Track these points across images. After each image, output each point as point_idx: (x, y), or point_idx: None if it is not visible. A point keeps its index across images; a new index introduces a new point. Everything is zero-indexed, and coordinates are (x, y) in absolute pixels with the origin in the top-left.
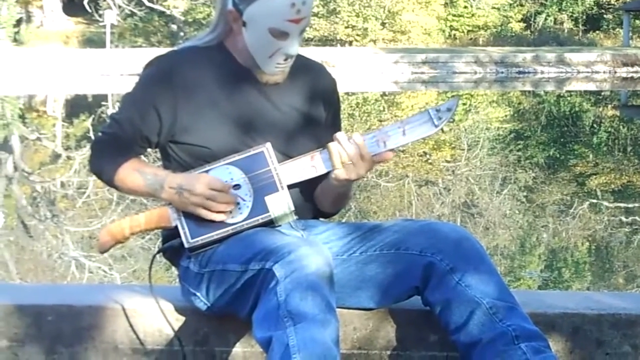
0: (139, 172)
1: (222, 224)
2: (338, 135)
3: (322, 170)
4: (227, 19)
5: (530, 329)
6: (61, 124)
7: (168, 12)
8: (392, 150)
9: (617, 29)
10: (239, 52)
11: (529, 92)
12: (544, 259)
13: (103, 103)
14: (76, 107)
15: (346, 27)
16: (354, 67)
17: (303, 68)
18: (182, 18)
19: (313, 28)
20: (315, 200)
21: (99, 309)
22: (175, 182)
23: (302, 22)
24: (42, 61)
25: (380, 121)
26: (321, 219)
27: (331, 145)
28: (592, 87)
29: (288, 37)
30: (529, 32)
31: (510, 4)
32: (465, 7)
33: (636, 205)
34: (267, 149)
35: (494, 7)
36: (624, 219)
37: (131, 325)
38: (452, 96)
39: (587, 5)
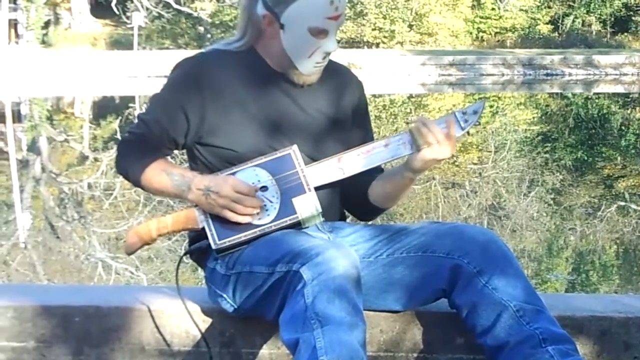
0: (166, 172)
1: (250, 225)
2: (422, 118)
3: (350, 172)
4: (259, 24)
5: (558, 332)
6: (88, 125)
7: (195, 14)
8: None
9: None
10: (271, 56)
11: (557, 94)
12: (571, 261)
13: (130, 105)
14: (103, 108)
15: (373, 29)
16: (381, 69)
17: (331, 72)
18: (209, 20)
19: (340, 30)
20: (372, 197)
21: (125, 310)
22: (202, 184)
23: (340, 19)
24: (70, 63)
25: (407, 123)
26: (348, 221)
27: (414, 126)
28: (620, 89)
29: (327, 35)
30: (556, 34)
31: (538, 6)
32: (493, 9)
33: None
34: (294, 151)
35: (521, 9)
36: None
37: (158, 327)
38: (479, 99)
39: (616, 7)
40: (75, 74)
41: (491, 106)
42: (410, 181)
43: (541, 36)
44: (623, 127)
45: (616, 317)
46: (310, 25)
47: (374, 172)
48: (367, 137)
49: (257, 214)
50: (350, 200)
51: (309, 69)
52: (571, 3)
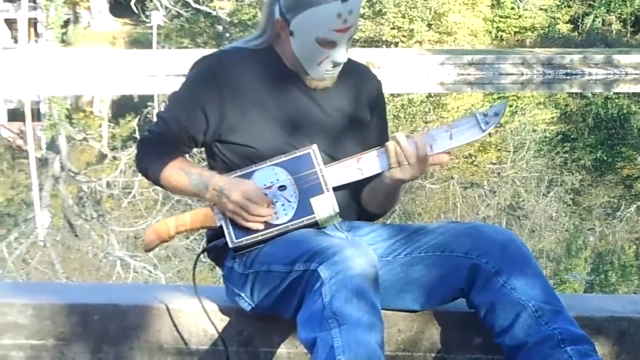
0: (185, 171)
1: (267, 224)
2: (397, 135)
3: (368, 173)
4: (275, 26)
5: (577, 333)
6: (107, 124)
7: (214, 13)
8: (448, 152)
9: None
10: (287, 56)
11: (576, 94)
12: (590, 262)
13: (149, 103)
14: (122, 107)
15: (392, 29)
16: (400, 69)
17: (349, 71)
18: (228, 19)
19: (359, 29)
20: (362, 201)
21: (144, 309)
22: (218, 184)
23: (349, 31)
24: (89, 62)
25: (426, 123)
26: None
27: (389, 144)
28: None
29: (335, 46)
30: (576, 33)
31: (558, 5)
32: (512, 8)
33: None
34: (313, 151)
35: (541, 9)
36: None
37: (176, 325)
38: (500, 100)
39: (636, 7)
40: (94, 72)
41: (510, 106)
42: (393, 188)
43: (561, 35)
44: None
45: (635, 318)
46: (317, 36)
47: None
48: (382, 138)
49: (275, 213)
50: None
51: (319, 75)
52: (591, 2)
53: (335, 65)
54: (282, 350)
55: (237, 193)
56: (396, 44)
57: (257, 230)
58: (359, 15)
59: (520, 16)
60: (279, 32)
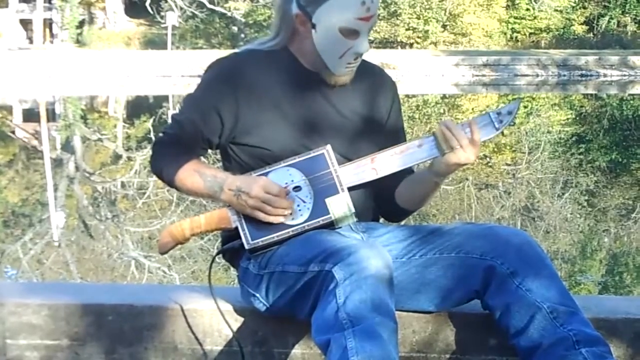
0: (199, 173)
1: (283, 225)
2: (446, 120)
3: (383, 173)
4: (292, 23)
5: (592, 334)
6: (122, 124)
7: (229, 14)
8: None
9: None
10: (304, 55)
11: (591, 95)
12: (605, 263)
13: (164, 104)
14: (137, 108)
15: (407, 30)
16: (415, 70)
17: (364, 72)
18: (243, 20)
19: (374, 30)
20: (397, 197)
21: (158, 309)
22: (234, 185)
23: (372, 20)
24: (104, 62)
25: (434, 126)
26: (381, 222)
27: (439, 130)
28: None
29: (359, 36)
30: (591, 34)
31: (573, 7)
32: (527, 9)
33: None
34: (328, 151)
35: (556, 10)
36: None
37: (190, 326)
38: (514, 99)
39: None
40: (109, 73)
41: (525, 107)
42: (436, 185)
43: (576, 37)
44: None
45: None
46: (341, 26)
47: (404, 173)
48: (400, 137)
49: (290, 214)
50: (378, 200)
51: (340, 69)
52: (606, 3)
53: (357, 57)
54: (297, 350)
55: (258, 188)
56: (411, 45)
57: (273, 231)
58: (378, 5)
59: (535, 17)
60: (295, 31)
